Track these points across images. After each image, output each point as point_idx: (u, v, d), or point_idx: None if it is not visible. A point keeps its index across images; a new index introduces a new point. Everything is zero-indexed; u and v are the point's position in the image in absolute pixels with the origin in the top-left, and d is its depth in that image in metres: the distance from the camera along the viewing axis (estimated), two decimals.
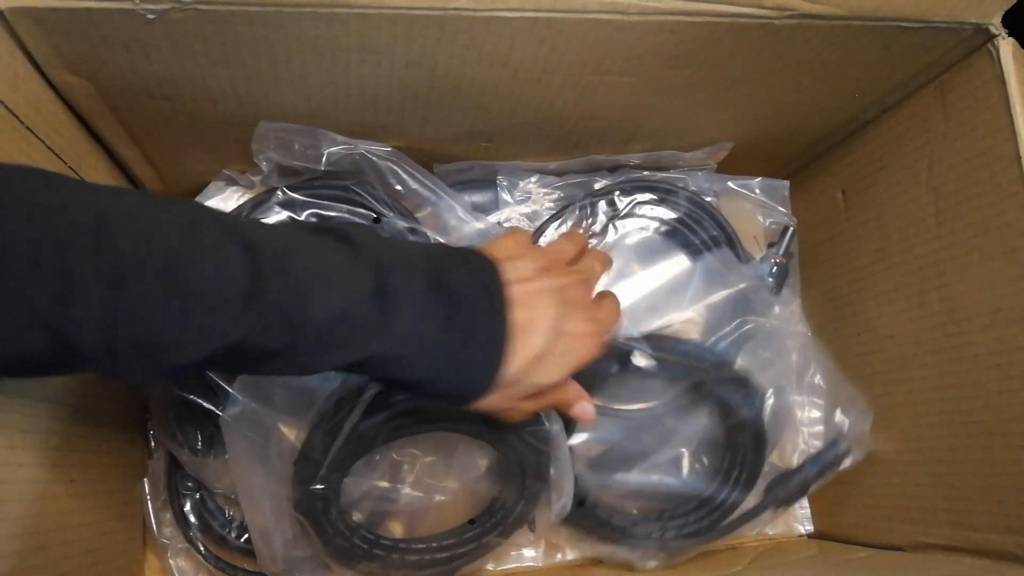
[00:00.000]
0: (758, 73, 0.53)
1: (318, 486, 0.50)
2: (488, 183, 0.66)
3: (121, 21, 0.41)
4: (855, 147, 0.65)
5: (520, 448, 0.53)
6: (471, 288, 0.38)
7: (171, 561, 0.59)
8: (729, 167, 0.71)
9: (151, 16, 0.41)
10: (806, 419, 0.64)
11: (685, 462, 0.62)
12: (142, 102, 0.50)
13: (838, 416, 0.62)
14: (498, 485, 0.57)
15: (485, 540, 0.56)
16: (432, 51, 0.47)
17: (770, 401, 0.61)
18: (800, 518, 0.70)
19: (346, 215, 0.60)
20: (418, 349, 0.36)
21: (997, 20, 0.49)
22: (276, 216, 0.60)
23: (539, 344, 0.39)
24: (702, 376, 0.59)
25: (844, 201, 0.66)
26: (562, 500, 0.55)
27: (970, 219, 0.53)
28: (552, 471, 0.54)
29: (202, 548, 0.58)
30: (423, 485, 0.57)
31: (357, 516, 0.56)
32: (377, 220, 0.59)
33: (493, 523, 0.56)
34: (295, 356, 0.34)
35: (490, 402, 0.40)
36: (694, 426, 0.61)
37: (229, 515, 0.59)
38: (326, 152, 0.57)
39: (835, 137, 0.66)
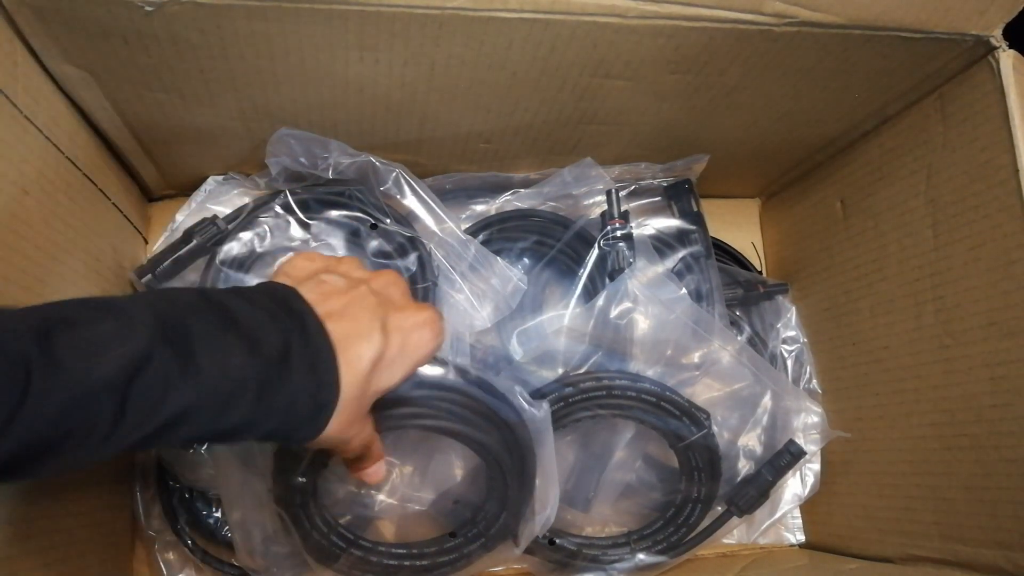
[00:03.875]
0: (757, 80, 0.53)
1: (299, 478, 0.50)
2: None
3: (119, 13, 0.42)
4: (855, 156, 0.64)
5: (502, 456, 0.52)
6: (273, 317, 0.35)
7: (158, 554, 0.59)
8: (727, 175, 0.71)
9: (149, 8, 0.41)
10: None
11: (639, 462, 0.62)
12: (140, 94, 0.50)
13: (791, 420, 0.63)
14: (480, 495, 0.56)
15: (467, 551, 0.55)
16: (431, 50, 0.47)
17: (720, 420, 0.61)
18: (791, 528, 0.69)
19: (345, 220, 0.60)
20: (232, 388, 0.33)
21: (998, 32, 0.49)
22: (275, 218, 0.60)
23: (370, 350, 0.37)
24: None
25: (843, 210, 0.66)
26: (547, 511, 0.53)
27: (967, 231, 0.52)
28: (537, 481, 0.53)
29: (189, 541, 0.58)
30: (398, 494, 0.57)
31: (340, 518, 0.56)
32: (374, 227, 0.59)
33: (475, 534, 0.55)
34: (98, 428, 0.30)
35: (339, 424, 0.37)
36: (629, 430, 0.61)
37: (217, 509, 0.59)
38: (335, 161, 0.58)
39: (835, 146, 0.66)
